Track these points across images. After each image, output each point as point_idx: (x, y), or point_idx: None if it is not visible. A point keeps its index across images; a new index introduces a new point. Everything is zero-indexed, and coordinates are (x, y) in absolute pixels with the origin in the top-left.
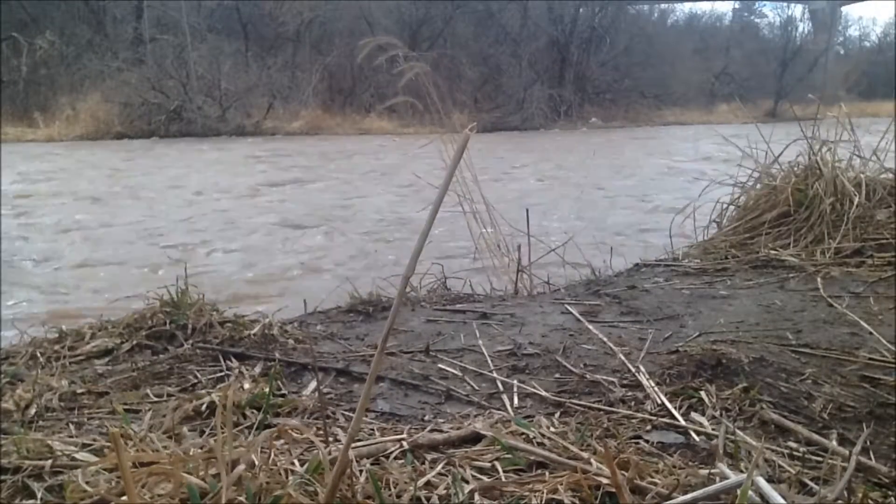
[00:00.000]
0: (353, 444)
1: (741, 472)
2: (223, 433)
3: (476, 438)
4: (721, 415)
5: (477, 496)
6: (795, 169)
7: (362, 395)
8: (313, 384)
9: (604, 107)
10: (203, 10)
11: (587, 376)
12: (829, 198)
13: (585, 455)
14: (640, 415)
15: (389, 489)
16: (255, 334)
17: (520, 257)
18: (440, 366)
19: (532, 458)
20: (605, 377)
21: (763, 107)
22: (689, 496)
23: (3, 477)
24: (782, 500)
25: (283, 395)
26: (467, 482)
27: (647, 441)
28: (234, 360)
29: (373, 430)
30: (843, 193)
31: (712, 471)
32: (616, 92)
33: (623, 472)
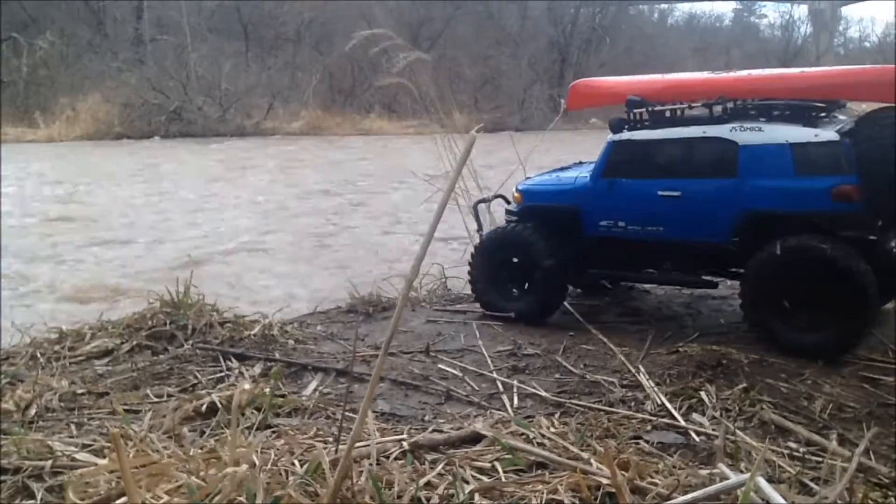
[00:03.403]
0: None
1: (741, 472)
2: (228, 432)
3: (476, 439)
4: (721, 415)
5: (477, 496)
6: None
7: (365, 400)
8: (313, 384)
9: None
10: (203, 11)
11: (587, 376)
12: None
13: (585, 455)
14: (640, 415)
15: (390, 489)
16: (254, 335)
17: None
18: (440, 366)
19: (532, 458)
20: (605, 377)
21: None
22: (689, 496)
23: (3, 477)
24: (782, 501)
25: (282, 396)
26: (467, 482)
27: (647, 441)
28: (234, 360)
29: (373, 430)
30: None
31: (712, 471)
32: None
33: (623, 472)
